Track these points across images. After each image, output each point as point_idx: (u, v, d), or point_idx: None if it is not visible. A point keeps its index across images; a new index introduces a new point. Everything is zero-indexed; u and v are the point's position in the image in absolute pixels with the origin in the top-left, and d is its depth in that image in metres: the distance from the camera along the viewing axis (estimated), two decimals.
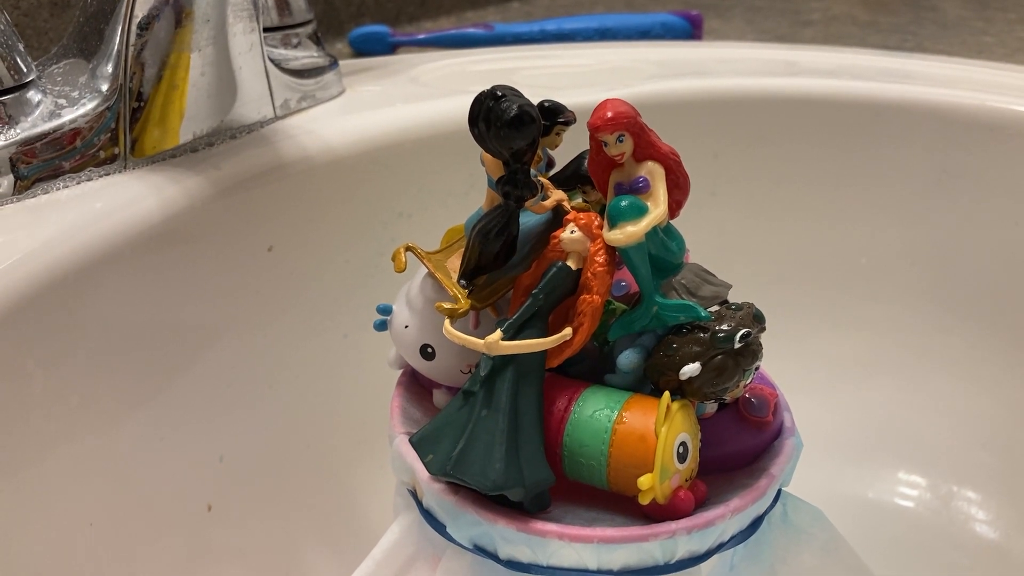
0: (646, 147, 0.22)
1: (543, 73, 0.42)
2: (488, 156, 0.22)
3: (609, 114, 0.22)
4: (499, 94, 0.21)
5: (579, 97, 0.39)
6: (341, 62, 0.42)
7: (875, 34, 0.57)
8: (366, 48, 0.49)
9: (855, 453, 0.39)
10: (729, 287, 0.24)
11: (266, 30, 0.34)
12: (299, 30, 0.35)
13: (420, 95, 0.38)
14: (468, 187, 0.35)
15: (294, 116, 0.34)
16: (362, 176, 0.33)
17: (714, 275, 0.24)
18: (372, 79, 0.40)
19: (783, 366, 0.42)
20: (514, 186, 0.22)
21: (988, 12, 0.67)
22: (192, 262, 0.28)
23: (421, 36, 0.50)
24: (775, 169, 0.41)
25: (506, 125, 0.21)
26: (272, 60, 0.33)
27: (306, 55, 0.35)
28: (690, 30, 0.51)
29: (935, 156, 0.39)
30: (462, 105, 0.37)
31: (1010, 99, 0.38)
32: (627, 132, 0.22)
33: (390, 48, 0.49)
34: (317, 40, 0.36)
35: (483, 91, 0.21)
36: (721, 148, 0.41)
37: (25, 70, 0.27)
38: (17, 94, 0.26)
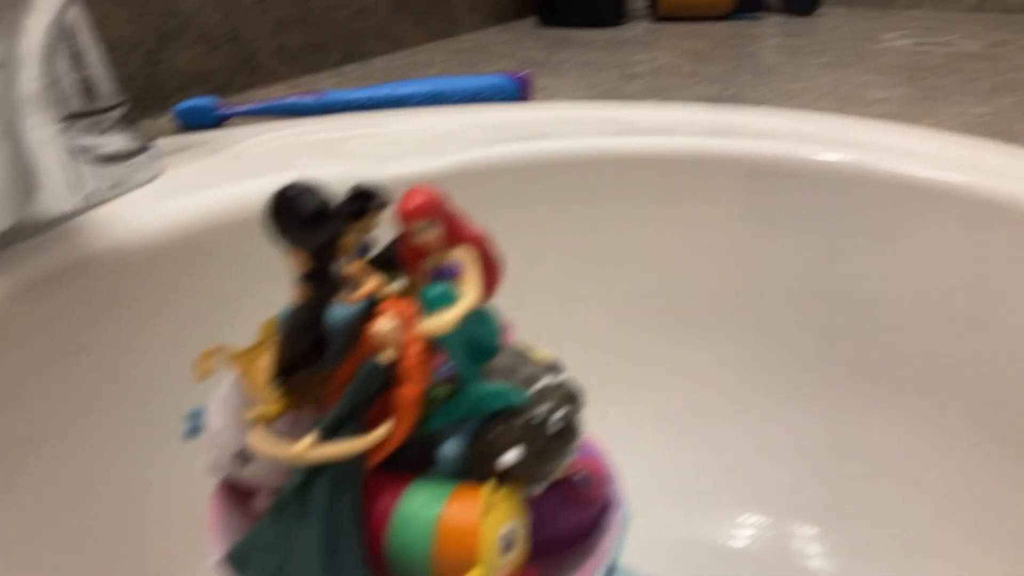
0: (456, 232, 0.22)
1: (372, 142, 0.41)
2: (289, 252, 0.22)
3: (415, 203, 0.22)
4: (295, 191, 0.21)
5: (409, 167, 0.39)
6: (165, 139, 0.41)
7: (696, 84, 0.60)
8: (192, 122, 0.48)
9: (699, 497, 0.40)
10: (548, 364, 0.24)
11: (71, 117, 0.33)
12: (109, 114, 0.34)
13: (242, 172, 0.37)
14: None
15: (104, 206, 0.32)
16: (178, 264, 0.32)
17: (533, 354, 0.24)
18: (193, 158, 0.39)
19: (623, 416, 0.42)
20: (317, 283, 0.21)
21: (800, 57, 0.71)
22: None
23: (248, 107, 0.49)
24: (606, 225, 0.41)
25: (305, 221, 0.20)
26: (79, 149, 0.31)
27: (117, 140, 0.34)
28: (519, 91, 0.52)
29: (755, 203, 0.41)
30: (285, 182, 0.36)
31: (814, 148, 0.40)
32: (436, 219, 0.22)
33: (217, 120, 0.48)
34: (129, 123, 0.35)
35: (279, 187, 0.21)
36: (552, 208, 0.41)
37: None
38: None
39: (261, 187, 0.35)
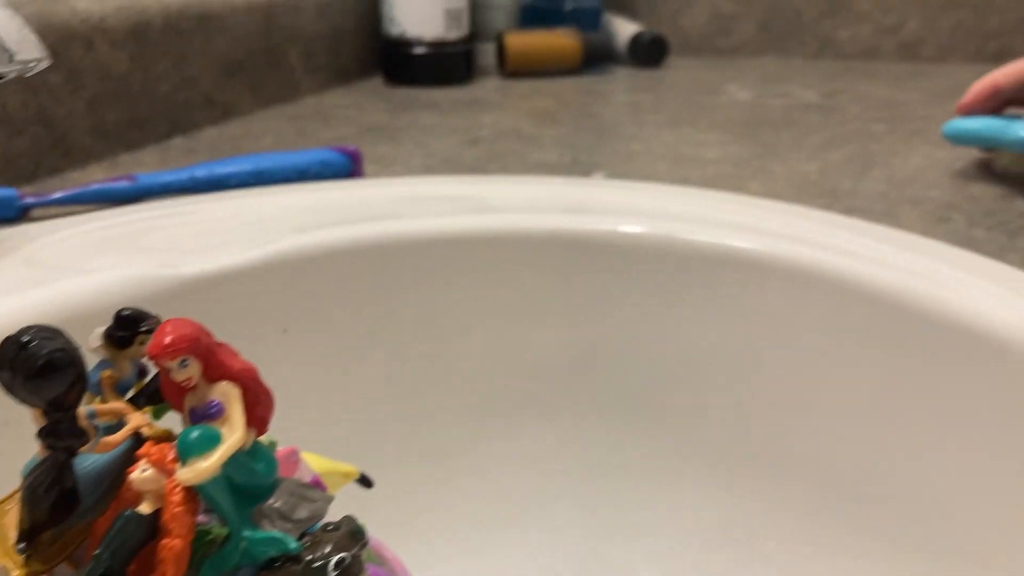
0: (217, 368, 0.21)
1: (178, 234, 0.39)
2: (25, 405, 0.19)
3: (166, 340, 0.20)
4: (25, 339, 0.18)
5: (210, 263, 0.36)
6: None
7: (536, 149, 0.60)
8: None
9: None
10: (329, 501, 0.22)
11: None
12: None
13: (28, 279, 0.34)
14: None
15: None
16: None
17: (314, 489, 0.22)
18: None
19: (462, 504, 0.41)
20: (57, 437, 0.19)
21: (642, 115, 0.72)
22: None
23: (55, 196, 0.45)
24: (429, 309, 0.40)
25: (34, 375, 0.18)
26: None
27: None
28: (349, 166, 0.50)
29: (575, 279, 0.40)
30: (74, 288, 0.34)
31: (641, 221, 0.39)
32: (191, 356, 0.20)
33: (19, 212, 0.45)
34: None
35: (9, 336, 0.19)
36: (373, 293, 0.40)
37: None
38: None
39: (46, 296, 0.32)
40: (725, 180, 0.52)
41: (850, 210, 0.46)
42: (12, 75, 0.22)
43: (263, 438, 0.22)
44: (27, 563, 0.20)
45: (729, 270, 0.38)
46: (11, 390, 0.19)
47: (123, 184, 0.47)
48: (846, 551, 0.36)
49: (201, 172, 0.48)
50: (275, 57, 0.72)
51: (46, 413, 0.19)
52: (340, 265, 0.39)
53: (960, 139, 0.53)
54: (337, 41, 0.82)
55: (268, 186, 0.47)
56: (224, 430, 0.20)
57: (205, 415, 0.20)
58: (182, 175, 0.48)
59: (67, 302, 0.33)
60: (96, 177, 0.53)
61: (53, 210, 0.46)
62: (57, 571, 0.21)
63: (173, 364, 0.20)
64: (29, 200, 0.45)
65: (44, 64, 0.22)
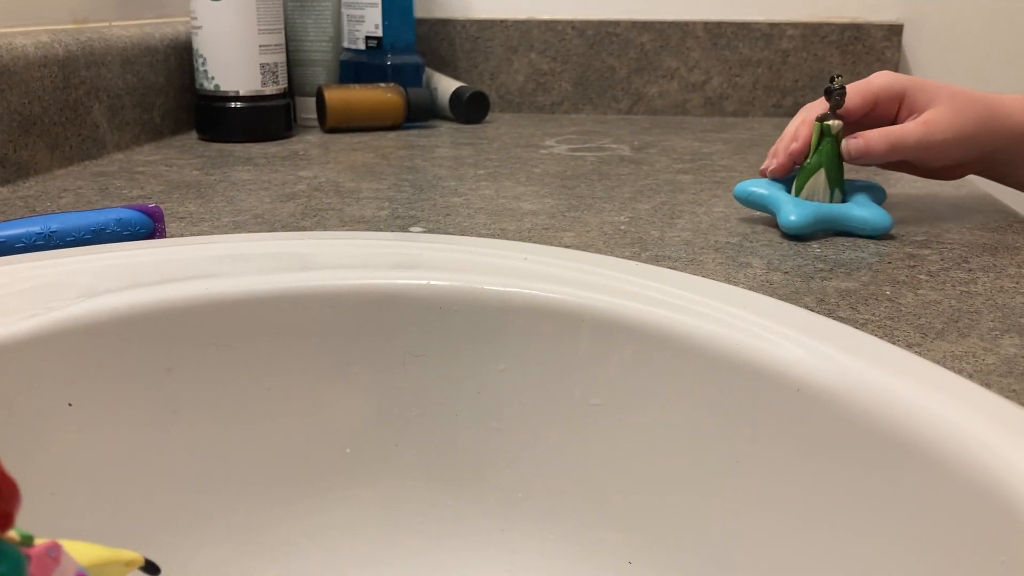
0: None
1: None
2: None
3: None
4: None
5: None
6: None
7: (354, 204, 0.59)
8: None
9: None
10: None
11: None
12: None
13: None
14: None
15: None
16: None
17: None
18: None
19: None
20: None
21: (462, 169, 0.72)
22: None
23: None
24: (233, 375, 0.38)
25: None
26: None
27: None
28: (151, 225, 0.48)
29: (385, 337, 0.39)
30: None
31: (450, 274, 0.39)
32: None
33: None
34: None
35: None
36: (175, 360, 0.37)
37: None
38: None
39: None
40: (541, 232, 0.52)
41: (657, 258, 0.47)
42: None
43: (13, 533, 0.20)
44: None
45: (541, 321, 0.38)
46: None
47: None
48: None
49: None
50: (76, 113, 0.68)
51: None
52: (133, 332, 0.36)
53: (744, 203, 0.57)
54: (146, 96, 0.79)
55: (59, 249, 0.44)
56: None
57: None
58: None
59: None
60: None
61: None
62: None
63: None
64: None
65: None
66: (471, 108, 0.98)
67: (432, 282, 0.39)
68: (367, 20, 0.97)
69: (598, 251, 0.48)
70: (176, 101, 0.84)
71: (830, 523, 0.30)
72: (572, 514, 0.38)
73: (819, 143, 0.54)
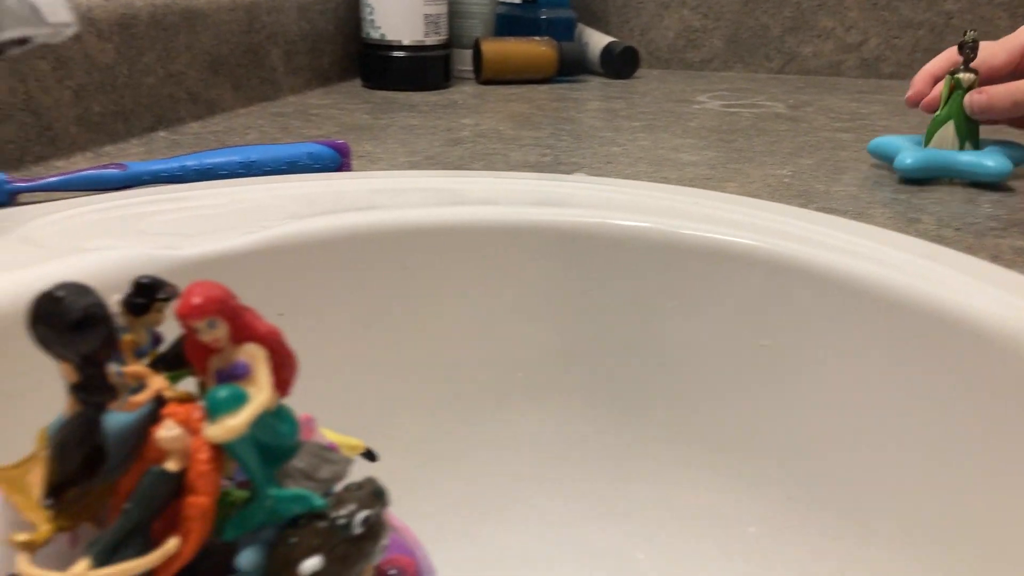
0: (243, 329, 0.21)
1: (175, 218, 0.39)
2: (57, 360, 0.20)
3: (196, 300, 0.20)
4: (60, 294, 0.19)
5: (211, 244, 0.37)
6: None
7: (518, 149, 0.61)
8: None
9: (531, 569, 0.39)
10: (350, 462, 0.23)
11: None
12: None
13: (29, 257, 0.34)
14: None
15: None
16: None
17: (333, 451, 0.23)
18: None
19: (449, 492, 0.42)
20: (89, 392, 0.20)
21: (617, 121, 0.73)
22: None
23: (44, 181, 0.46)
24: (424, 296, 0.41)
25: (70, 328, 0.19)
26: None
27: None
28: (338, 159, 0.51)
29: (569, 270, 0.41)
30: (76, 266, 0.34)
31: (621, 214, 0.41)
32: (219, 317, 0.21)
33: (8, 197, 0.45)
34: None
35: (42, 291, 0.19)
36: (366, 280, 0.40)
37: None
38: None
39: (49, 273, 0.33)
40: (703, 182, 0.53)
41: (825, 211, 0.47)
42: (41, 40, 0.22)
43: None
44: (54, 520, 0.20)
45: (714, 262, 0.39)
46: (46, 345, 0.19)
47: (113, 171, 0.47)
48: (824, 534, 0.37)
49: (191, 162, 0.48)
50: (257, 56, 0.73)
51: (79, 368, 0.20)
52: (332, 252, 0.39)
53: (874, 154, 0.60)
54: (318, 43, 0.83)
55: (258, 177, 0.48)
56: (251, 390, 0.21)
57: (231, 376, 0.21)
58: (172, 164, 0.48)
59: (69, 279, 0.33)
60: (80, 166, 0.53)
61: (40, 196, 0.46)
62: (80, 530, 0.21)
63: (201, 325, 0.21)
64: (18, 184, 0.45)
65: (72, 30, 0.22)
66: (621, 63, 0.99)
67: (609, 220, 0.41)
68: None
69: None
70: (343, 49, 0.88)
71: (1010, 472, 0.31)
72: (733, 450, 0.40)
73: (950, 95, 0.55)
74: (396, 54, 0.84)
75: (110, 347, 0.20)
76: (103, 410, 0.20)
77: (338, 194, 0.44)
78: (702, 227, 0.39)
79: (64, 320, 0.19)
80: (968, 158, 0.54)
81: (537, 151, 0.61)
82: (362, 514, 0.20)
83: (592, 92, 0.90)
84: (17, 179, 0.46)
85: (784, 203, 0.49)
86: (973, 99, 0.55)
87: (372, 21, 0.83)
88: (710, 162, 0.59)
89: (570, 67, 0.95)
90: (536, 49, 0.94)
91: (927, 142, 0.57)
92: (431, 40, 0.85)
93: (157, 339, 0.25)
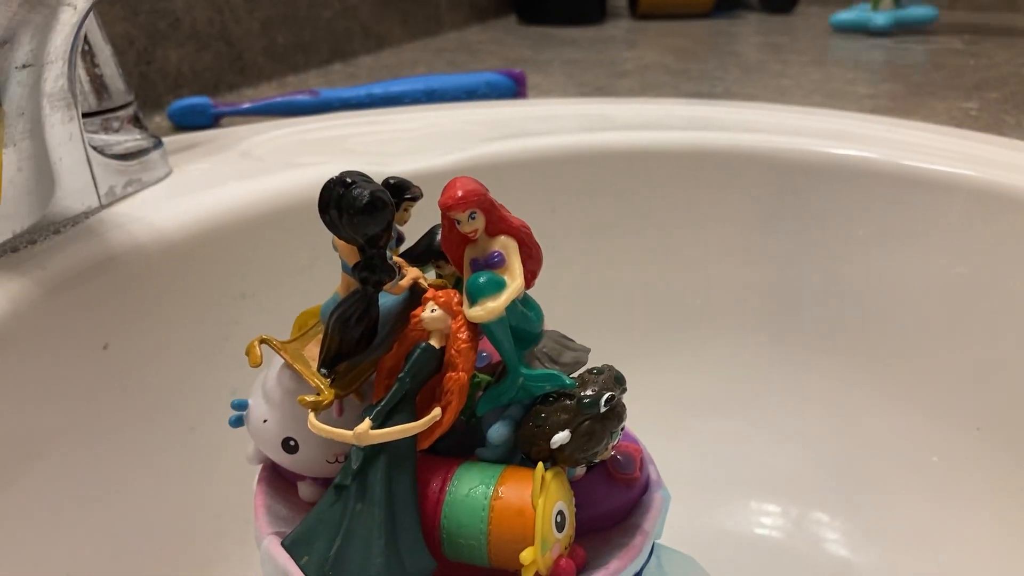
0: (498, 222, 0.23)
1: (375, 139, 0.41)
2: (341, 242, 0.22)
3: (460, 193, 0.22)
4: (349, 180, 0.21)
5: (414, 164, 0.39)
6: (164, 139, 0.41)
7: (687, 81, 0.61)
8: (187, 122, 0.47)
9: (710, 488, 0.40)
10: (588, 351, 0.24)
11: (85, 115, 0.33)
12: (120, 113, 0.34)
13: (250, 170, 0.37)
14: (310, 261, 0.35)
15: (120, 203, 0.32)
16: (197, 260, 0.32)
17: (572, 340, 0.25)
18: (199, 156, 0.38)
19: (633, 410, 0.43)
20: (371, 271, 0.21)
21: (784, 55, 0.72)
22: (20, 369, 0.26)
23: (244, 106, 0.49)
24: (608, 219, 0.42)
25: (359, 212, 0.21)
26: (94, 147, 0.31)
27: (129, 138, 0.34)
28: (514, 88, 0.52)
29: (763, 199, 0.41)
30: (295, 179, 0.37)
31: (820, 141, 0.40)
32: (478, 209, 0.22)
33: (212, 120, 0.48)
34: (139, 122, 0.35)
35: (332, 178, 0.21)
36: (556, 203, 0.42)
37: None
38: None
39: (271, 184, 0.35)
40: (886, 113, 0.52)
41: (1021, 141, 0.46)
42: None
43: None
44: (330, 389, 0.22)
45: (909, 189, 0.38)
46: (335, 227, 0.21)
47: (306, 98, 0.49)
48: (1013, 465, 0.37)
49: (378, 89, 0.50)
50: None
51: (362, 249, 0.21)
52: (524, 172, 0.41)
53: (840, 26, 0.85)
54: None
55: (441, 104, 0.49)
56: (506, 277, 0.22)
57: (488, 264, 0.23)
58: (360, 91, 0.50)
59: (292, 190, 0.35)
60: (267, 94, 0.56)
61: (238, 119, 0.49)
62: (346, 401, 0.23)
63: (463, 216, 0.22)
64: (222, 108, 0.48)
65: None
66: None
67: (800, 147, 0.41)
68: None
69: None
70: None
71: None
72: (923, 379, 0.40)
73: None
74: None
75: (390, 232, 0.22)
76: (380, 288, 0.22)
77: (522, 120, 0.45)
78: (901, 155, 0.39)
79: (355, 204, 0.20)
80: (918, 10, 0.83)
81: (707, 83, 0.60)
82: (606, 394, 0.22)
83: (752, 27, 0.89)
84: (220, 104, 0.49)
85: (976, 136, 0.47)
86: None
87: None
88: (888, 94, 0.57)
89: (728, 2, 0.94)
90: None
91: (875, 6, 0.83)
92: None
93: (400, 237, 0.27)
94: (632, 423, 0.40)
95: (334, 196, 0.21)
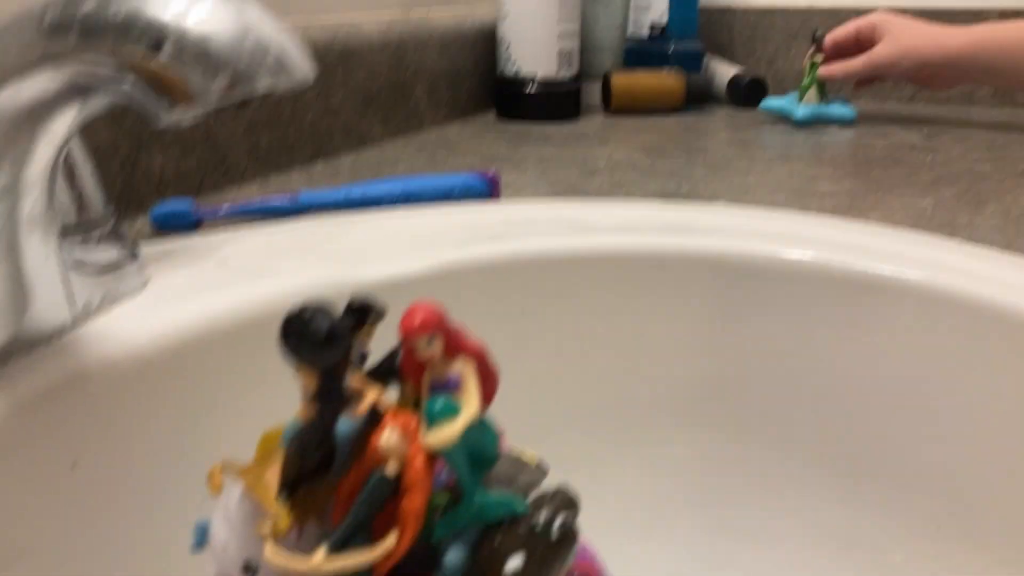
0: (456, 345, 0.24)
1: (350, 244, 0.43)
2: (301, 371, 0.23)
3: (419, 319, 0.23)
4: (308, 312, 0.22)
5: (388, 270, 0.40)
6: (143, 242, 0.42)
7: (654, 179, 0.63)
8: (169, 225, 0.49)
9: None
10: (544, 473, 0.25)
11: (65, 231, 0.34)
12: (98, 228, 0.35)
13: (228, 279, 0.38)
14: (283, 372, 0.35)
15: (96, 318, 0.33)
16: (169, 375, 0.32)
17: (528, 462, 0.25)
18: (176, 265, 0.39)
19: (601, 512, 0.43)
20: (328, 400, 0.22)
21: (750, 150, 0.74)
22: None
23: (225, 209, 0.50)
24: (575, 321, 0.43)
25: (317, 344, 0.21)
26: (71, 262, 0.32)
27: (106, 251, 0.35)
28: (488, 189, 0.54)
29: (720, 299, 0.42)
30: (268, 288, 0.37)
31: (777, 245, 0.42)
32: (437, 334, 0.23)
33: (194, 223, 0.49)
34: (118, 234, 0.36)
35: (291, 309, 0.22)
36: (526, 305, 0.43)
37: None
38: None
39: (248, 293, 0.36)
40: (845, 212, 0.54)
41: (971, 242, 0.47)
42: (285, 88, 0.25)
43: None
44: (288, 515, 0.23)
45: (861, 292, 0.40)
46: (293, 357, 0.22)
47: (285, 201, 0.51)
48: (969, 568, 0.37)
49: (356, 191, 0.51)
50: (404, 91, 0.77)
51: (320, 379, 0.22)
52: (494, 278, 0.42)
53: (766, 110, 0.92)
54: (457, 78, 0.87)
55: (416, 206, 0.51)
56: (463, 402, 0.23)
57: (444, 388, 0.23)
58: (339, 194, 0.51)
59: (267, 299, 0.36)
60: (250, 194, 0.57)
61: (219, 222, 0.51)
62: (305, 527, 0.24)
63: (422, 342, 0.23)
64: (203, 212, 0.49)
65: (311, 80, 0.25)
66: (749, 93, 0.99)
67: (758, 250, 0.42)
68: (653, 8, 1.00)
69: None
70: (479, 82, 0.92)
71: None
72: (879, 478, 0.40)
73: (811, 70, 0.89)
74: (530, 88, 0.87)
75: (348, 360, 0.22)
76: (337, 416, 0.23)
77: (494, 223, 0.46)
78: (856, 258, 0.40)
79: (314, 336, 0.21)
80: (838, 109, 0.89)
81: (673, 181, 0.62)
82: (559, 519, 0.22)
83: (721, 122, 0.91)
84: (202, 207, 0.50)
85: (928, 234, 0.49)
86: (826, 71, 0.89)
87: (508, 57, 0.87)
88: (848, 192, 0.59)
89: (697, 98, 0.96)
90: (664, 81, 0.96)
91: (801, 99, 0.89)
92: (563, 74, 0.88)
93: (364, 355, 0.28)
94: (599, 526, 0.41)
95: (294, 327, 0.22)
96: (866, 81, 0.92)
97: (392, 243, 0.43)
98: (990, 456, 0.37)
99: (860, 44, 0.89)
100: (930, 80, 0.88)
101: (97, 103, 0.26)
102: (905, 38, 0.86)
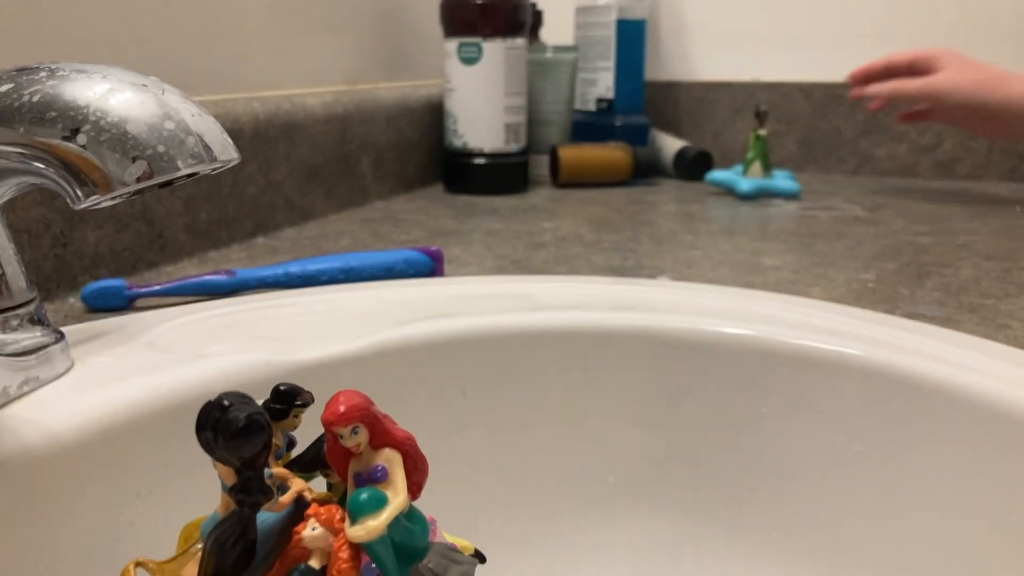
0: (382, 435, 0.23)
1: (286, 323, 0.42)
2: (218, 463, 0.22)
3: (342, 408, 0.22)
4: (226, 403, 0.21)
5: (323, 350, 0.39)
6: (75, 326, 0.40)
7: (600, 253, 0.63)
8: (100, 304, 0.47)
9: None
10: (476, 564, 0.24)
11: None
12: (19, 311, 0.33)
13: (155, 362, 0.36)
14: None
15: (14, 403, 0.32)
16: (92, 460, 0.31)
17: (460, 552, 0.24)
18: (104, 346, 0.38)
19: None
20: (248, 493, 0.21)
21: (695, 224, 0.75)
22: None
23: (159, 287, 0.49)
24: (518, 399, 0.42)
25: (235, 435, 0.21)
26: None
27: (28, 335, 0.33)
28: (432, 265, 0.53)
29: (660, 376, 0.42)
30: (196, 372, 0.36)
31: (717, 321, 0.42)
32: (361, 424, 0.22)
33: (127, 302, 0.48)
34: (39, 318, 0.34)
35: (210, 400, 0.21)
36: (467, 384, 0.42)
37: None
38: None
39: (175, 377, 0.35)
40: (788, 286, 0.54)
41: (912, 316, 0.48)
42: (205, 172, 0.25)
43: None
44: None
45: (805, 369, 0.40)
46: (210, 449, 0.21)
47: (222, 278, 0.50)
48: None
49: (295, 268, 0.51)
50: (348, 165, 0.77)
51: (239, 471, 0.21)
52: (434, 356, 0.41)
53: (711, 183, 0.93)
54: (404, 151, 0.87)
55: (357, 282, 0.50)
56: (389, 493, 0.22)
57: (370, 479, 0.23)
58: (277, 271, 0.51)
59: (195, 383, 0.35)
60: (187, 271, 0.56)
61: (154, 300, 0.49)
62: None
63: (346, 431, 0.22)
64: (136, 290, 0.48)
65: (235, 162, 0.24)
66: (695, 166, 1.01)
67: (701, 327, 0.42)
68: (600, 83, 1.02)
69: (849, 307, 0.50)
70: (427, 156, 0.92)
71: None
72: (826, 556, 0.40)
73: (755, 143, 0.90)
74: (477, 161, 0.88)
75: (267, 453, 0.22)
76: (258, 510, 0.22)
77: (435, 300, 0.46)
78: (791, 334, 0.40)
79: (231, 427, 0.21)
80: (782, 182, 0.89)
81: (619, 255, 0.62)
82: None
83: (667, 195, 0.92)
84: (135, 285, 0.49)
85: (870, 308, 0.49)
86: (876, 88, 0.84)
87: (455, 131, 0.87)
88: (792, 266, 0.60)
89: (644, 170, 0.98)
90: (611, 154, 0.97)
91: (745, 172, 0.90)
92: (511, 147, 0.88)
93: (291, 442, 0.27)
94: None
95: (211, 419, 0.21)
96: (914, 115, 0.86)
97: (330, 322, 0.42)
98: (938, 531, 0.37)
99: (912, 75, 0.82)
100: (983, 126, 0.81)
101: (12, 186, 0.25)
102: (968, 73, 0.78)
